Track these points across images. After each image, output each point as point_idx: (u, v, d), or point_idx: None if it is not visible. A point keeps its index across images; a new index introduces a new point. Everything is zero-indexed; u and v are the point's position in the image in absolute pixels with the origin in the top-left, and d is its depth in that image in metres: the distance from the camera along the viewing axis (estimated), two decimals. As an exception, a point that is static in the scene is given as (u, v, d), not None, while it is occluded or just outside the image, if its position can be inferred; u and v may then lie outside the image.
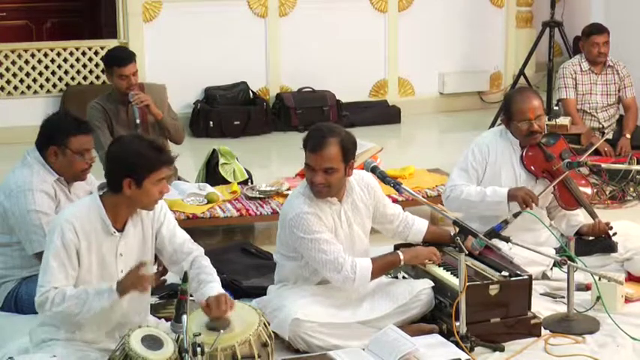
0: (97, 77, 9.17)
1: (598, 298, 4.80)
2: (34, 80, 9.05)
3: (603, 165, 6.31)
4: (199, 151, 7.47)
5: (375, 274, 4.51)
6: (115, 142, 4.23)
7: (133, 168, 3.98)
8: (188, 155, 7.94)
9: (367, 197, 4.68)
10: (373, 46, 9.95)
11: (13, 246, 4.81)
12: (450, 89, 10.26)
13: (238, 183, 6.52)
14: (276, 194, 6.25)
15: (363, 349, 4.35)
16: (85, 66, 9.17)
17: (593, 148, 6.36)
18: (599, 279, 4.78)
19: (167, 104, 6.40)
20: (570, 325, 4.66)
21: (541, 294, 5.05)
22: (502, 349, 4.44)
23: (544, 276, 5.26)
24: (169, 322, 3.95)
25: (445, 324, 4.53)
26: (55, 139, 4.73)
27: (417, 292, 4.60)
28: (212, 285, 4.16)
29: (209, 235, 6.22)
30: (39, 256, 4.49)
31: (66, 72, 9.12)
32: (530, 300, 4.60)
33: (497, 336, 4.50)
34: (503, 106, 5.49)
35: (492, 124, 8.76)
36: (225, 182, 6.56)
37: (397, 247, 4.88)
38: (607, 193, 6.83)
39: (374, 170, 4.73)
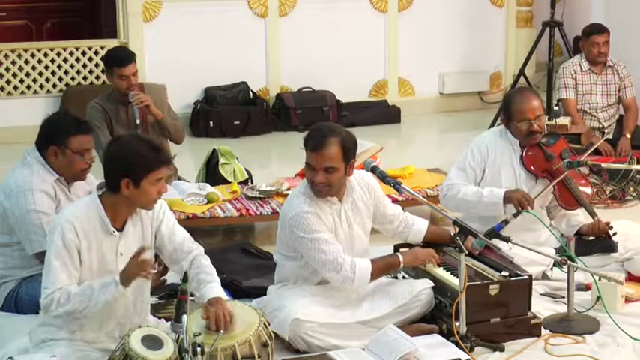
0: (97, 77, 9.16)
1: (598, 297, 4.79)
2: (34, 80, 9.05)
3: (603, 165, 6.30)
4: (199, 151, 7.46)
5: (374, 276, 4.51)
6: (113, 142, 4.23)
7: (130, 168, 3.97)
8: (188, 155, 7.94)
9: (367, 197, 4.68)
10: (373, 46, 9.94)
11: (13, 246, 4.80)
12: (450, 89, 10.24)
13: (238, 183, 6.52)
14: (276, 194, 6.25)
15: (363, 349, 4.35)
16: (85, 66, 9.16)
17: (593, 148, 6.35)
18: (599, 279, 4.77)
19: (167, 104, 6.39)
20: (570, 324, 4.66)
21: (541, 294, 5.05)
22: (502, 349, 4.44)
23: (544, 276, 5.25)
24: (169, 322, 3.94)
25: (445, 324, 4.52)
26: (55, 139, 4.72)
27: (417, 292, 4.60)
28: (212, 285, 4.16)
29: (209, 235, 6.21)
30: (39, 256, 4.50)
31: (66, 72, 9.11)
32: (530, 300, 4.60)
33: (497, 336, 4.50)
34: (503, 106, 5.48)
35: (492, 124, 8.75)
36: (225, 182, 6.56)
37: (397, 247, 4.89)
38: (607, 192, 6.83)
39: (374, 170, 4.73)
